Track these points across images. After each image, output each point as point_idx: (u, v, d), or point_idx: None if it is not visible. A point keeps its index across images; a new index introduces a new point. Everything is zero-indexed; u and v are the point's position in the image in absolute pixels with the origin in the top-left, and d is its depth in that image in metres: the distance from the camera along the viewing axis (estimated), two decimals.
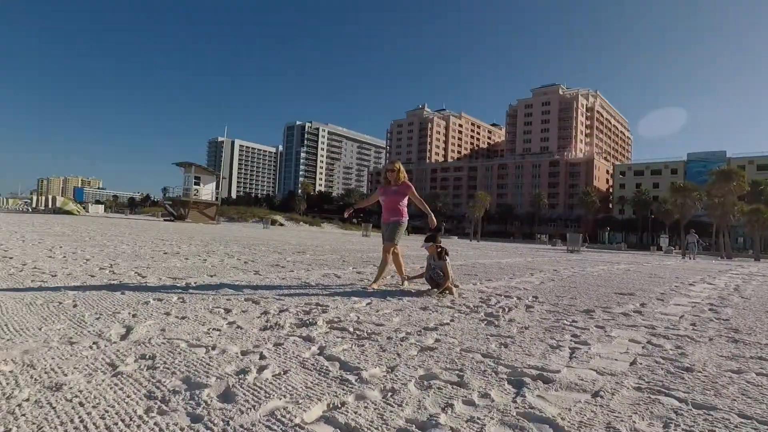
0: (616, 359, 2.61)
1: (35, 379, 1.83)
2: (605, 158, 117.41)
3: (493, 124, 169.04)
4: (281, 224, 55.18)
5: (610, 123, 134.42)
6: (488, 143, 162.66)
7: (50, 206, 45.64)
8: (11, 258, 6.07)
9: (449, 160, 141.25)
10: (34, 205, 50.86)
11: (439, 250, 4.98)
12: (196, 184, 40.93)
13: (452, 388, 2.00)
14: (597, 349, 2.80)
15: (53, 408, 1.58)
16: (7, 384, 1.77)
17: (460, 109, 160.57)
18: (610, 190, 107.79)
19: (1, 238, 9.65)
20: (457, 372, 2.21)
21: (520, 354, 2.61)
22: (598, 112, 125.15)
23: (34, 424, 1.46)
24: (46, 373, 1.92)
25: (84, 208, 52.23)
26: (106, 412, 1.57)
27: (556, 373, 2.27)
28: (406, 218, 5.14)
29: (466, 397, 1.89)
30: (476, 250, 18.58)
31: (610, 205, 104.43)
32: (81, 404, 1.62)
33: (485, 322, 3.51)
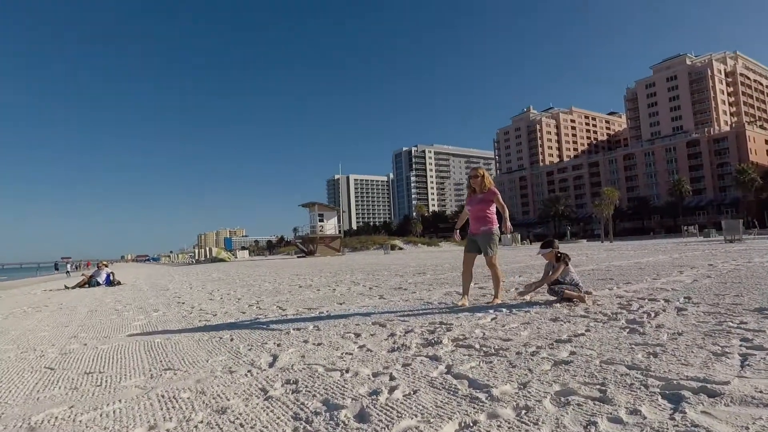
0: None
1: (206, 404, 2.16)
2: (761, 126, 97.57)
3: (611, 113, 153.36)
4: (400, 248, 56.52)
5: (761, 84, 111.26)
6: (608, 134, 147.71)
7: (208, 257, 53.33)
8: (183, 303, 7.22)
9: (565, 159, 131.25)
10: (196, 258, 59.91)
11: (558, 255, 4.63)
12: (320, 220, 44.33)
13: (594, 404, 1.84)
14: None
15: (221, 428, 1.85)
16: (186, 408, 2.11)
17: (569, 104, 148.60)
18: None
19: (175, 287, 11.55)
20: (598, 387, 2.03)
21: (674, 364, 2.30)
22: (741, 74, 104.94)
23: None
24: (213, 398, 2.24)
25: (233, 254, 59.80)
26: (262, 431, 1.78)
27: (724, 384, 1.95)
28: (496, 226, 4.82)
29: (611, 414, 1.73)
30: (609, 251, 16.80)
31: None
32: (242, 425, 1.86)
33: (627, 330, 3.16)
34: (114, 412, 2.14)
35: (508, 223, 4.77)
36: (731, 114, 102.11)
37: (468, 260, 4.89)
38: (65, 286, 13.26)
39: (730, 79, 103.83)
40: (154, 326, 4.91)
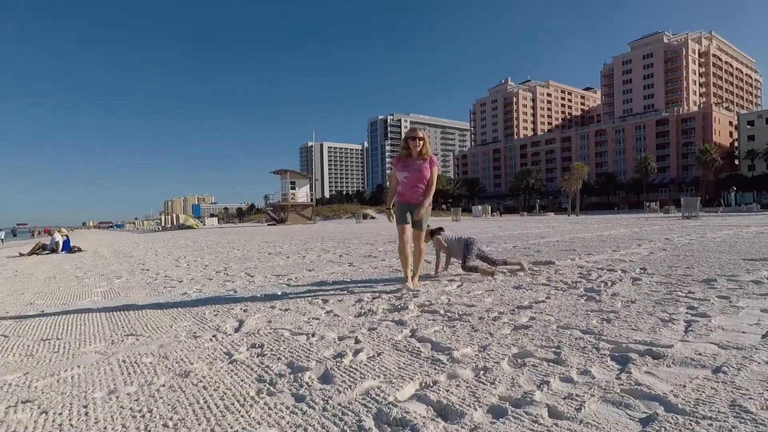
0: (743, 332, 2.31)
1: (169, 368, 2.15)
2: (727, 108, 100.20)
3: (586, 88, 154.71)
4: (372, 217, 56.76)
5: (731, 66, 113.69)
6: (582, 110, 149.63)
7: (175, 223, 52.05)
8: (148, 270, 7.06)
9: (539, 133, 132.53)
10: (162, 224, 58.39)
11: (433, 232, 4.82)
12: (292, 188, 43.76)
13: (548, 365, 1.93)
14: (719, 322, 2.50)
15: (183, 391, 1.85)
16: (148, 373, 2.10)
17: (547, 78, 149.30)
18: (736, 144, 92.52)
19: (139, 254, 11.26)
20: (553, 349, 2.13)
21: (625, 329, 2.43)
22: (714, 55, 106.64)
23: (169, 404, 1.73)
24: (177, 363, 2.23)
25: (201, 221, 58.61)
26: (225, 394, 1.80)
27: (668, 348, 2.08)
28: (429, 198, 4.15)
29: (563, 374, 1.82)
30: (575, 224, 17.36)
31: (736, 162, 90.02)
32: (205, 388, 1.88)
33: (585, 297, 3.31)
34: (72, 377, 2.10)
35: (430, 200, 4.15)
36: (700, 95, 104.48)
37: (407, 231, 4.13)
38: (20, 254, 12.71)
39: (702, 60, 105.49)
40: (116, 293, 4.80)
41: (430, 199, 4.11)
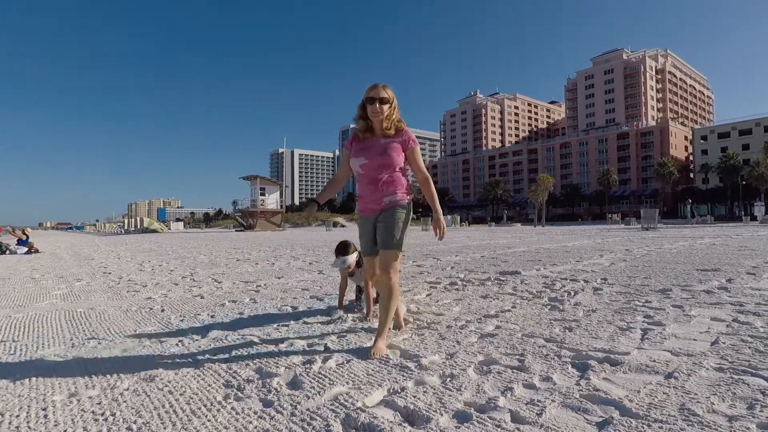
0: (694, 339, 2.45)
1: (133, 372, 2.09)
2: (682, 123, 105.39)
3: (552, 102, 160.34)
4: (342, 225, 56.54)
5: (686, 83, 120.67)
6: (547, 122, 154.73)
7: (139, 227, 50.21)
8: (110, 273, 6.80)
9: (507, 144, 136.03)
10: (125, 227, 56.23)
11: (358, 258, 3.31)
12: (261, 194, 43.05)
13: (512, 372, 2.00)
14: (673, 330, 2.65)
15: (148, 396, 1.81)
16: (111, 377, 2.04)
17: (514, 90, 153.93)
18: (691, 158, 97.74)
19: (101, 257, 10.82)
20: (518, 357, 2.20)
21: (585, 337, 2.54)
22: (670, 72, 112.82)
23: (133, 408, 1.69)
24: (141, 366, 2.17)
25: (167, 225, 56.79)
26: (191, 398, 1.78)
27: (624, 355, 2.18)
28: (409, 198, 2.56)
29: (526, 381, 1.89)
30: (540, 235, 17.87)
31: (692, 175, 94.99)
32: (170, 392, 1.84)
33: (549, 307, 3.43)
34: (29, 380, 2.02)
35: (440, 215, 2.48)
36: (658, 110, 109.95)
37: (371, 266, 2.65)
38: None
39: (659, 76, 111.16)
40: (76, 296, 4.60)
41: (438, 205, 2.49)
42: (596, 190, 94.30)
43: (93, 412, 1.66)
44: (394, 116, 2.46)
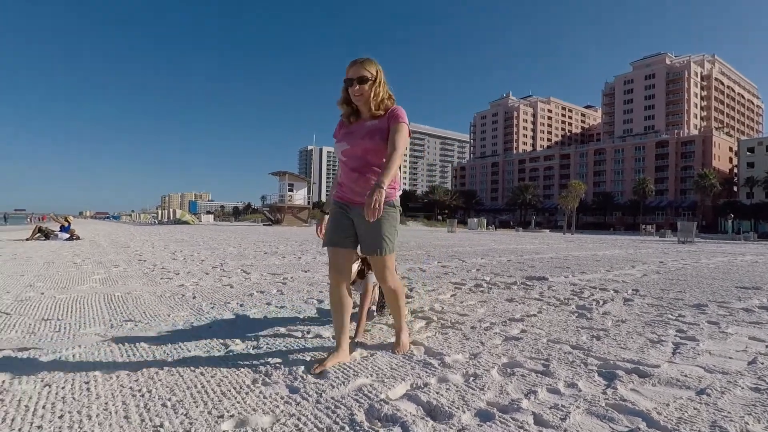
0: (730, 357, 2.36)
1: (167, 354, 2.20)
2: (727, 133, 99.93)
3: (587, 106, 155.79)
4: None
5: (733, 91, 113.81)
6: (582, 127, 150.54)
7: (171, 218, 52.00)
8: (145, 261, 7.09)
9: (538, 149, 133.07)
10: (159, 218, 58.31)
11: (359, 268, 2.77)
12: (289, 190, 43.72)
13: (537, 376, 1.99)
14: (707, 346, 2.55)
15: (181, 376, 1.91)
16: (146, 356, 2.16)
17: (548, 94, 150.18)
18: (735, 170, 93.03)
19: (136, 245, 11.29)
20: (542, 362, 2.18)
21: (613, 347, 2.48)
22: (716, 79, 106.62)
23: (167, 386, 1.79)
24: (175, 350, 2.28)
25: (198, 218, 58.48)
26: (221, 381, 1.86)
27: (654, 367, 2.13)
28: (397, 193, 2.23)
29: (550, 385, 1.87)
30: (569, 242, 17.46)
31: (735, 189, 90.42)
32: (202, 374, 1.93)
33: (576, 314, 3.36)
34: (73, 356, 2.16)
35: (382, 187, 1.85)
36: (701, 118, 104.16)
37: (339, 260, 2.24)
38: (26, 239, 12.71)
39: (705, 83, 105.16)
40: (114, 281, 4.82)
41: (388, 179, 1.90)
42: (630, 199, 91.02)
43: (131, 387, 1.77)
44: (381, 94, 2.14)
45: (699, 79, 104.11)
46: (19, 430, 1.42)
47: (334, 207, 2.24)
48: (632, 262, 8.32)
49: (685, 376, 2.04)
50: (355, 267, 2.76)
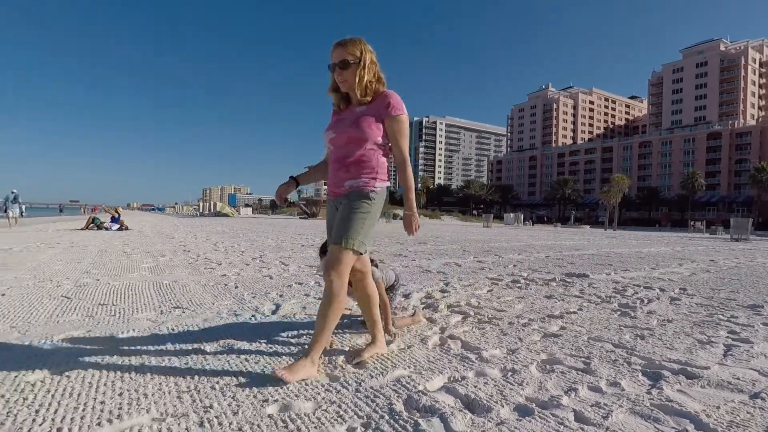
0: None
1: (213, 339, 2.32)
2: None
3: (632, 97, 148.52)
4: (402, 217, 56.80)
5: None
6: (626, 119, 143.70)
7: (212, 210, 54.07)
8: (189, 251, 7.41)
9: (579, 142, 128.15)
10: (200, 210, 60.74)
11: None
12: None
13: (577, 373, 1.95)
14: (762, 349, 2.42)
15: (227, 361, 2.01)
16: (195, 342, 2.28)
17: (590, 84, 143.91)
18: None
19: (180, 236, 11.80)
20: (583, 359, 2.14)
21: (659, 347, 2.40)
22: None
23: (215, 370, 1.89)
24: (220, 336, 2.39)
25: (237, 210, 60.43)
26: (265, 366, 1.95)
27: (703, 369, 2.04)
28: (383, 184, 2.04)
29: (592, 383, 1.83)
30: (611, 239, 16.83)
31: None
32: (246, 360, 2.03)
33: (619, 312, 3.26)
34: (128, 339, 2.31)
35: (413, 211, 2.08)
36: (759, 108, 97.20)
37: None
38: (81, 228, 13.60)
39: (763, 70, 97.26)
40: (161, 269, 5.08)
41: (412, 193, 2.09)
42: (678, 194, 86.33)
43: (182, 370, 1.88)
44: (366, 78, 1.97)
45: (757, 66, 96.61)
46: (84, 404, 1.53)
47: (328, 205, 2.16)
48: (680, 259, 7.95)
49: (738, 378, 1.95)
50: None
